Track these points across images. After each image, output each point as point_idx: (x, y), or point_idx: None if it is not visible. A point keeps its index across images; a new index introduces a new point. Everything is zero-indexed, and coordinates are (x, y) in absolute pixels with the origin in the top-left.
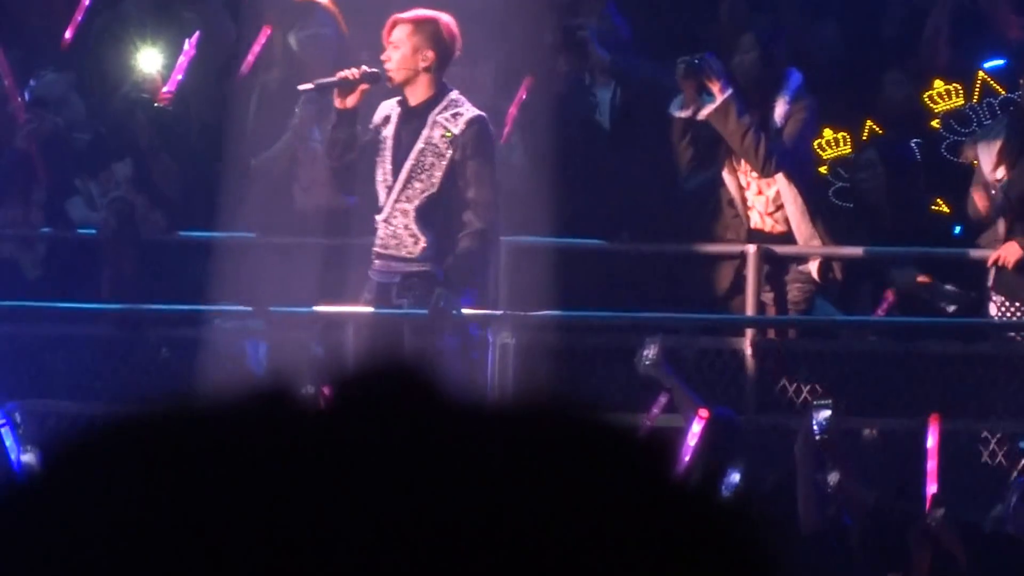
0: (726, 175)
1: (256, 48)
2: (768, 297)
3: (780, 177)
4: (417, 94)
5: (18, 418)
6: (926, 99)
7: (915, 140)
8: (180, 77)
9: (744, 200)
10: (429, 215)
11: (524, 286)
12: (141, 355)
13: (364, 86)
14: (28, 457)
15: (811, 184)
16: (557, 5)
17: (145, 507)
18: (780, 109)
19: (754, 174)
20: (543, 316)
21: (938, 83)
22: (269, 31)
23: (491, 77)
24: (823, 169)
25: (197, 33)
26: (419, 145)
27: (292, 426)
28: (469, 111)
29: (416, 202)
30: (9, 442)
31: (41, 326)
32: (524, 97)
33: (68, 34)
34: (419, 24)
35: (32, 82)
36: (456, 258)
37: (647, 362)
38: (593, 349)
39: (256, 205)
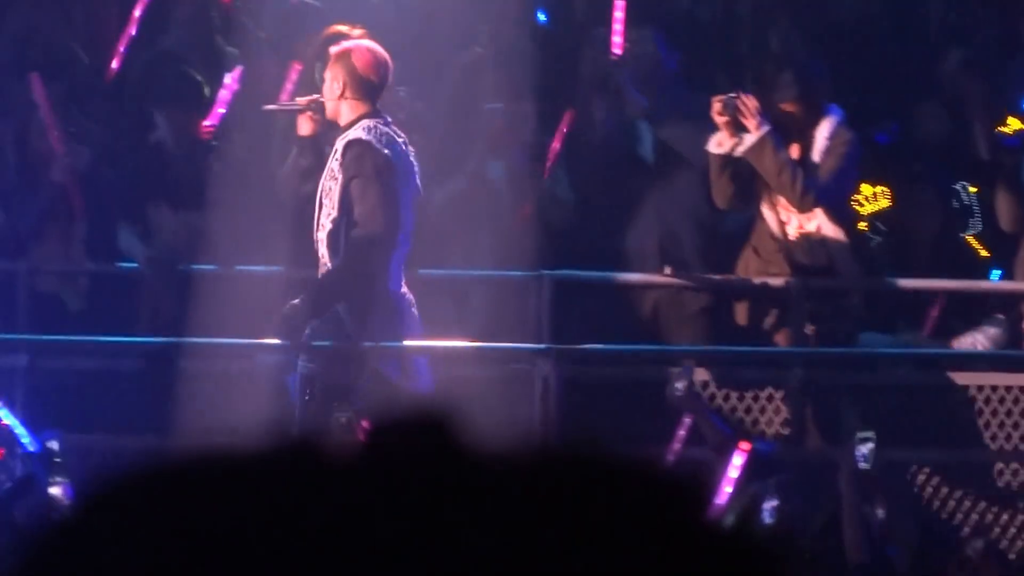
0: (766, 210)
1: (288, 85)
2: (811, 330)
3: (820, 212)
4: (341, 122)
5: (55, 446)
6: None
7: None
8: (222, 111)
9: (785, 235)
10: (334, 240)
11: (568, 320)
12: (183, 390)
13: (312, 114)
14: (56, 490)
15: (851, 219)
16: (596, 41)
17: (176, 548)
18: (820, 145)
19: (793, 209)
20: (589, 350)
21: (1012, 120)
22: (300, 67)
23: (533, 112)
24: (863, 225)
25: (239, 68)
26: (325, 170)
27: (327, 467)
28: (353, 133)
29: (326, 228)
30: (41, 474)
31: (83, 360)
32: (566, 131)
33: (115, 63)
34: (335, 58)
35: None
36: (310, 288)
37: (678, 393)
38: (636, 383)
39: (285, 236)
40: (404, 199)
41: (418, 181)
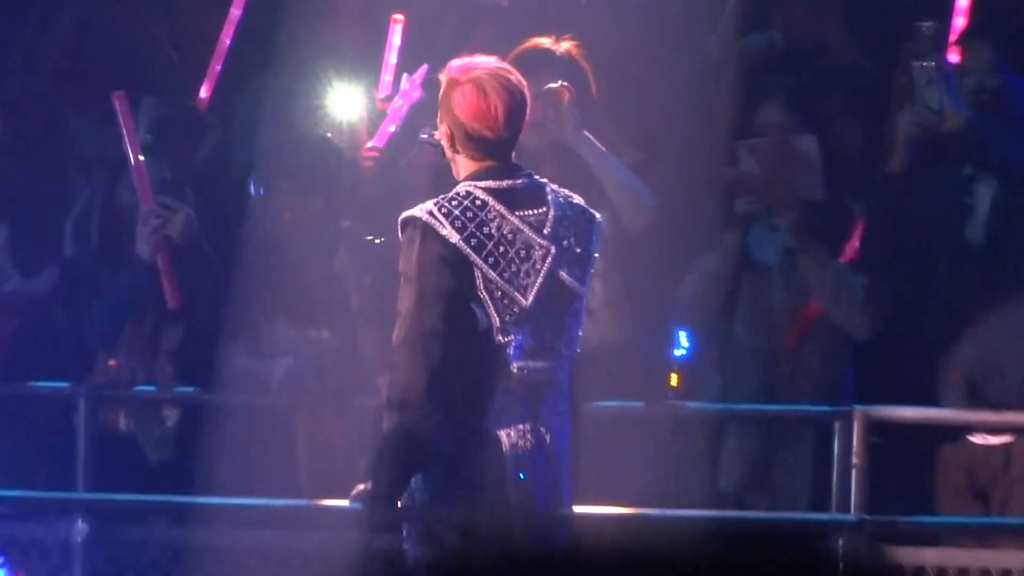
0: None
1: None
2: None
3: None
4: (457, 177)
5: None
6: None
7: None
8: (393, 129)
9: None
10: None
11: (877, 473)
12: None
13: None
14: None
15: None
16: (921, 36)
17: None
18: None
19: None
20: (921, 524)
21: None
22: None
23: (819, 153)
24: None
25: (424, 67)
26: None
27: None
28: (419, 208)
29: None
30: None
31: (170, 531)
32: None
33: (204, 92)
34: (440, 98)
35: None
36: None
37: None
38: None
39: None
40: (481, 303)
41: (561, 272)
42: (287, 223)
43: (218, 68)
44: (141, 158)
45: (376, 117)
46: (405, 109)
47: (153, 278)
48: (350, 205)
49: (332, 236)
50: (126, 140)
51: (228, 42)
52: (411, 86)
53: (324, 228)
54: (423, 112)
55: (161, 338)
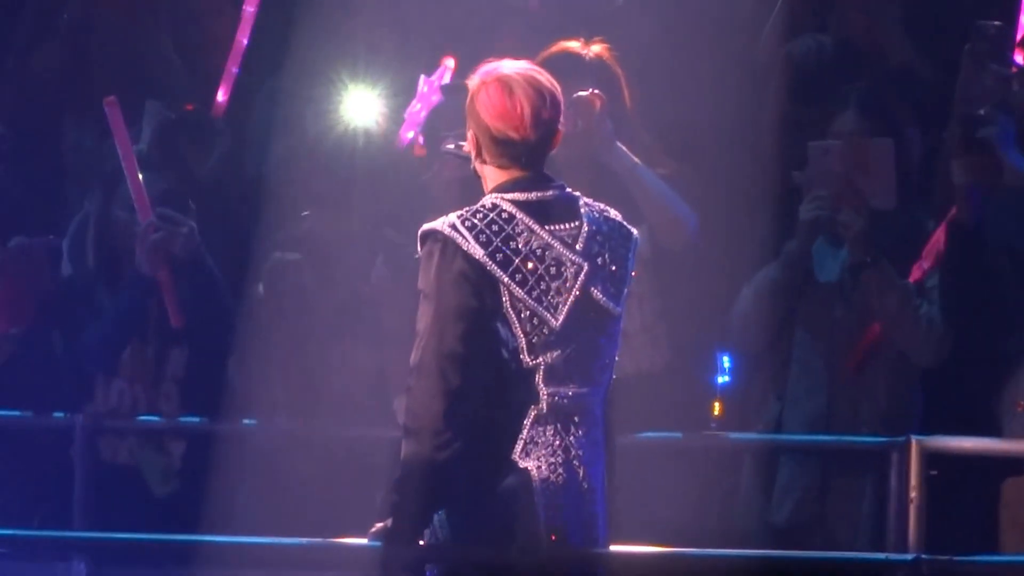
0: None
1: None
2: None
3: None
4: (485, 189)
5: None
6: None
7: None
8: (412, 135)
9: None
10: None
11: (936, 509)
12: None
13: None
14: None
15: None
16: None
17: None
18: None
19: None
20: (981, 564)
21: None
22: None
23: (892, 155)
24: None
25: (443, 66)
26: None
27: None
28: (440, 220)
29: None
30: None
31: (175, 572)
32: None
33: (221, 95)
34: (468, 104)
35: None
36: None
37: None
38: None
39: None
40: (507, 323)
41: (594, 290)
42: (317, 233)
43: (235, 70)
44: (137, 168)
45: (393, 123)
46: (424, 114)
47: (154, 298)
48: (365, 215)
49: (369, 246)
50: (119, 149)
51: (245, 42)
52: (430, 88)
53: (359, 238)
54: (444, 120)
55: (165, 362)
